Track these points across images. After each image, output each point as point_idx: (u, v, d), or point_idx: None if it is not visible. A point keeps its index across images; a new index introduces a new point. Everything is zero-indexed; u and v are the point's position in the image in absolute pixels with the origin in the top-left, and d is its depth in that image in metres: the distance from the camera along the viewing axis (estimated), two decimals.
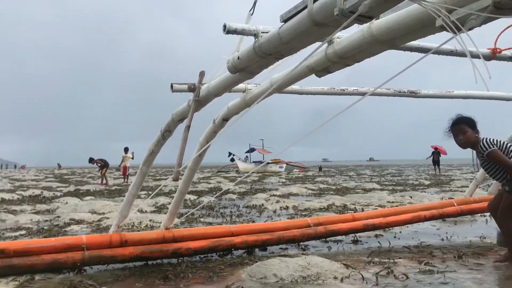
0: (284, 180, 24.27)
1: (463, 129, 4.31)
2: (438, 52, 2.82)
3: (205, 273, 4.29)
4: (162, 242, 4.71)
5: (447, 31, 1.70)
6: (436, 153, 29.31)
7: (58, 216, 8.93)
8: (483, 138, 4.32)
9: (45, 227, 7.42)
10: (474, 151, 4.37)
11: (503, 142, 4.36)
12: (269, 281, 3.92)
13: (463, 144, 4.37)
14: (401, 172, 35.45)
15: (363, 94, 3.83)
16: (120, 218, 4.65)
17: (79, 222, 8.07)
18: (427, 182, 19.68)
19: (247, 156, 46.28)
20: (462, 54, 2.91)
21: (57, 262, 4.26)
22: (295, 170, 44.00)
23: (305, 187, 16.64)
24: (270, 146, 48.52)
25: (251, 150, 47.07)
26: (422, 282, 3.84)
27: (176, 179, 3.12)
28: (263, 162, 42.71)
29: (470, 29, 1.83)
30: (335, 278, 3.96)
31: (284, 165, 42.62)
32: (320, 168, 43.66)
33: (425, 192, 13.66)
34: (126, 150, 22.91)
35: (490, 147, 4.25)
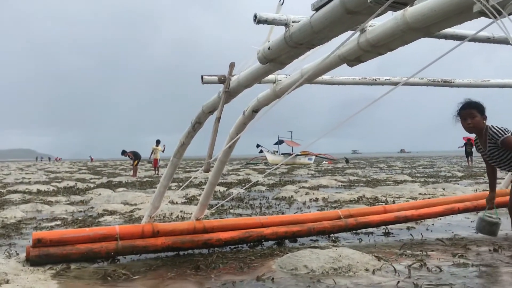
0: (313, 172, 24.16)
1: (472, 113, 4.22)
2: (475, 39, 2.74)
3: (236, 264, 4.32)
4: (193, 232, 4.76)
5: (486, 16, 1.64)
6: (469, 145, 28.58)
7: (92, 207, 9.16)
8: (492, 125, 4.24)
9: (80, 218, 7.61)
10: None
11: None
12: (300, 272, 3.91)
13: (470, 129, 4.28)
14: (433, 164, 34.76)
15: (395, 84, 3.75)
16: (152, 209, 4.73)
17: (112, 213, 8.24)
18: (460, 174, 19.24)
19: (277, 149, 46.18)
20: (499, 41, 2.81)
21: (92, 252, 4.37)
22: (324, 162, 43.71)
23: (335, 179, 16.52)
24: (299, 138, 48.29)
25: (280, 142, 46.95)
26: (457, 275, 3.77)
27: (207, 171, 3.15)
28: (292, 154, 42.63)
29: (510, 13, 1.77)
30: (367, 270, 3.93)
31: (313, 157, 42.38)
32: (346, 160, 43.13)
33: (458, 184, 13.36)
34: (157, 142, 23.27)
35: (504, 134, 4.17)
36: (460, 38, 2.82)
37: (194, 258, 4.56)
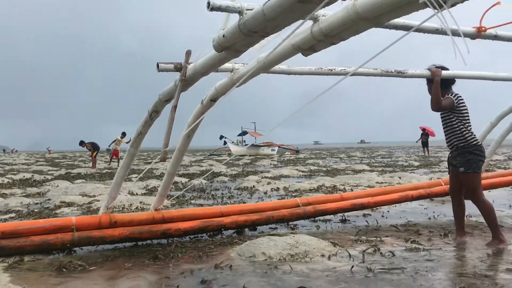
0: (276, 163, 24.35)
1: (428, 86, 4.54)
2: (423, 30, 2.82)
3: (195, 252, 4.33)
4: (152, 223, 4.74)
5: (429, 7, 1.70)
6: (425, 134, 29.43)
7: (49, 199, 8.92)
8: (454, 93, 4.54)
9: (36, 210, 7.41)
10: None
11: (458, 97, 4.52)
12: (258, 259, 3.97)
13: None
14: (391, 154, 35.67)
15: (351, 74, 3.82)
16: (109, 199, 4.66)
17: (69, 204, 8.07)
18: (416, 163, 19.85)
19: (243, 140, 46.16)
20: (447, 33, 2.91)
21: (47, 243, 4.28)
22: (287, 152, 44.14)
23: (296, 169, 16.71)
24: (262, 129, 48.45)
25: (244, 133, 47.00)
26: (408, 259, 3.91)
27: (163, 160, 3.13)
28: (255, 145, 42.77)
29: (452, 5, 1.83)
30: (323, 255, 4.02)
31: (276, 148, 42.70)
32: (297, 151, 44.07)
33: (414, 173, 13.79)
34: (123, 134, 22.83)
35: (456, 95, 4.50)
36: (410, 29, 2.90)
37: (153, 248, 4.54)
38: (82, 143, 22.13)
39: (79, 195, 9.36)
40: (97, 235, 4.48)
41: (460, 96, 4.56)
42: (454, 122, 4.52)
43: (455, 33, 2.81)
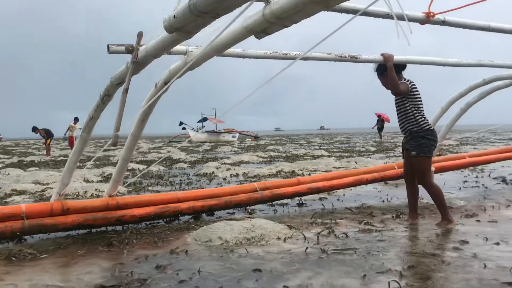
0: (236, 149, 24.35)
1: (379, 78, 4.77)
2: (374, 14, 2.87)
3: (150, 238, 4.29)
4: (106, 209, 4.64)
5: None
6: (380, 121, 30.18)
7: None
8: (406, 79, 4.69)
9: None
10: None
11: (411, 83, 4.70)
12: (214, 243, 3.97)
13: (387, 88, 4.76)
14: (349, 140, 36.38)
15: (305, 58, 3.85)
16: (62, 186, 4.53)
17: (21, 192, 7.81)
18: (373, 149, 20.32)
19: (203, 126, 45.82)
20: (398, 17, 2.96)
21: None
22: (247, 139, 44.22)
23: (256, 155, 16.78)
24: (225, 115, 48.28)
25: (204, 119, 46.68)
26: (361, 240, 4.01)
27: (114, 144, 3.07)
28: (215, 131, 42.62)
29: None
30: (278, 238, 4.07)
31: (237, 134, 42.71)
32: (256, 137, 44.59)
33: (370, 158, 14.12)
34: (76, 120, 22.11)
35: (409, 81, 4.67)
36: (363, 13, 2.93)
37: (107, 235, 4.46)
38: (35, 129, 21.36)
39: (32, 183, 9.06)
40: (49, 222, 4.36)
41: (413, 82, 4.70)
42: (408, 107, 4.66)
43: (403, 18, 2.87)
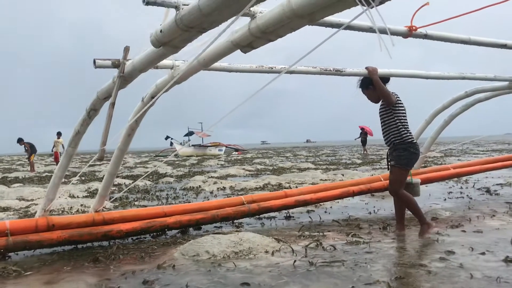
0: (223, 163, 24.32)
1: (364, 92, 4.84)
2: (358, 28, 2.92)
3: (137, 254, 4.25)
4: (92, 225, 4.59)
5: (357, 4, 1.76)
6: (364, 134, 30.43)
7: None
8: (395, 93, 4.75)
9: None
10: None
11: (396, 96, 4.79)
12: (202, 258, 3.95)
13: (372, 102, 4.87)
14: (335, 152, 36.54)
15: (290, 72, 3.90)
16: (47, 201, 4.48)
17: (5, 209, 7.69)
18: (359, 161, 20.44)
19: (189, 140, 45.69)
20: (381, 31, 3.02)
21: None
22: (234, 152, 44.19)
23: (243, 169, 16.76)
24: (210, 129, 48.20)
25: (190, 133, 46.53)
26: (349, 252, 4.02)
27: (101, 158, 3.05)
28: (202, 145, 42.51)
29: (381, 2, 1.90)
30: (266, 252, 4.06)
31: (224, 148, 42.66)
32: (236, 150, 44.70)
33: (356, 170, 14.19)
34: (59, 134, 21.90)
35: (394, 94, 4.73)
36: (348, 27, 2.98)
37: (94, 251, 4.41)
38: (20, 140, 21.11)
39: (16, 199, 8.93)
40: (34, 239, 4.30)
41: (398, 95, 4.77)
42: (392, 120, 4.74)
43: (387, 32, 2.92)
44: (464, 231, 4.76)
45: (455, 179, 9.40)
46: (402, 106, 4.77)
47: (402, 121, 4.73)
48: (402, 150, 4.68)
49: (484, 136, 8.60)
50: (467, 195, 7.63)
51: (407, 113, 4.86)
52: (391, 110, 4.73)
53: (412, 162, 4.73)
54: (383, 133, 4.89)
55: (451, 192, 8.08)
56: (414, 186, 5.25)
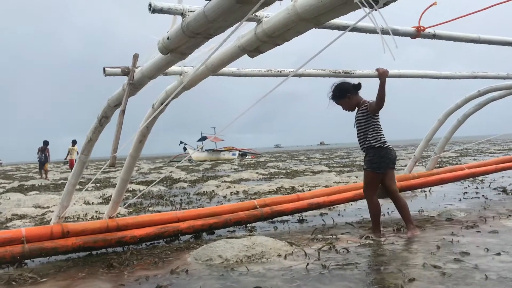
0: (236, 167, 24.36)
1: (339, 103, 4.91)
2: (364, 30, 2.92)
3: (151, 259, 4.28)
4: (106, 231, 4.64)
5: (362, 7, 1.76)
6: None
7: (0, 212, 8.58)
8: (368, 100, 4.82)
9: None
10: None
11: None
12: (215, 262, 3.96)
13: (348, 111, 4.96)
14: (349, 155, 36.37)
15: (299, 75, 3.90)
16: (61, 208, 4.54)
17: (22, 217, 7.80)
18: None
19: (202, 144, 45.88)
20: (386, 32, 3.01)
21: None
22: (248, 156, 44.25)
23: (256, 172, 16.78)
24: (222, 133, 48.36)
25: (203, 138, 46.70)
26: (362, 255, 4.00)
27: (112, 165, 3.08)
28: (215, 150, 42.66)
29: (385, 4, 1.90)
30: (279, 255, 4.06)
31: (237, 152, 42.77)
32: (242, 155, 44.13)
33: None
34: (74, 142, 22.19)
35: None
36: (354, 29, 2.98)
37: (108, 257, 4.45)
38: (47, 144, 21.55)
39: (32, 207, 9.05)
40: (49, 246, 4.35)
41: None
42: (370, 126, 4.82)
43: (395, 32, 2.92)
44: (479, 231, 4.70)
45: (471, 179, 9.29)
46: (378, 113, 4.85)
47: (379, 127, 4.85)
48: (373, 154, 4.80)
49: (500, 134, 8.49)
50: (483, 195, 7.54)
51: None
52: (370, 117, 4.81)
53: (382, 166, 4.80)
54: (359, 138, 4.97)
55: (466, 192, 7.99)
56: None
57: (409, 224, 4.81)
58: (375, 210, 4.95)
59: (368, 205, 5.00)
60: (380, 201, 7.31)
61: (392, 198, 5.00)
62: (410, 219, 4.84)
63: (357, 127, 4.93)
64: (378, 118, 4.86)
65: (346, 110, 4.94)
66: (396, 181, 5.06)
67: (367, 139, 4.83)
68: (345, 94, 4.81)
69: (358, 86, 4.86)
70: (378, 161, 4.78)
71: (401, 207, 4.88)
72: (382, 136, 4.83)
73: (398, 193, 4.94)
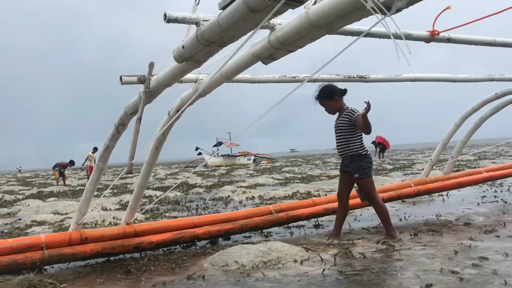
0: (252, 172, 24.39)
1: (324, 103, 5.01)
2: (378, 35, 2.92)
3: (168, 265, 4.31)
4: (124, 237, 4.69)
5: (374, 13, 1.77)
6: (378, 144, 31.30)
7: (19, 219, 8.74)
8: (351, 108, 4.94)
9: (5, 230, 7.25)
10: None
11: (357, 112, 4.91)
12: (231, 268, 3.97)
13: (330, 113, 5.09)
14: None
15: (313, 80, 3.91)
16: (79, 215, 4.61)
17: (41, 223, 7.93)
18: (389, 167, 20.15)
19: (217, 149, 46.06)
20: (400, 37, 3.01)
21: (16, 263, 4.18)
22: (263, 161, 44.26)
23: (272, 177, 16.77)
24: (237, 139, 48.50)
25: (219, 143, 46.90)
26: (378, 260, 3.98)
27: (129, 172, 3.13)
28: (231, 155, 42.77)
29: (398, 10, 1.91)
30: (295, 261, 4.05)
31: (252, 157, 42.82)
32: (254, 160, 43.91)
33: (387, 176, 14.00)
34: (95, 150, 22.46)
35: (356, 112, 4.88)
36: (368, 35, 2.99)
37: (125, 263, 4.50)
38: (72, 163, 22.21)
39: (51, 213, 9.20)
40: (68, 252, 4.42)
41: (357, 111, 4.90)
42: (355, 134, 4.95)
43: (408, 37, 2.91)
44: (498, 236, 4.64)
45: (489, 182, 9.16)
46: None
47: (359, 135, 4.98)
48: (360, 161, 4.97)
49: None
50: (502, 199, 7.43)
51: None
52: (354, 126, 4.90)
53: (370, 170, 5.04)
54: (339, 145, 5.10)
55: (484, 196, 7.89)
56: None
57: (388, 228, 4.98)
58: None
59: (375, 208, 5.07)
60: (396, 206, 7.29)
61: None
62: (388, 225, 4.99)
63: (338, 132, 5.05)
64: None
65: (328, 113, 5.08)
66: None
67: (350, 146, 4.98)
68: (333, 95, 4.94)
69: (344, 91, 4.98)
70: (367, 166, 5.00)
71: (379, 212, 5.06)
72: (363, 142, 5.08)
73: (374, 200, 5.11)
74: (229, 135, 48.69)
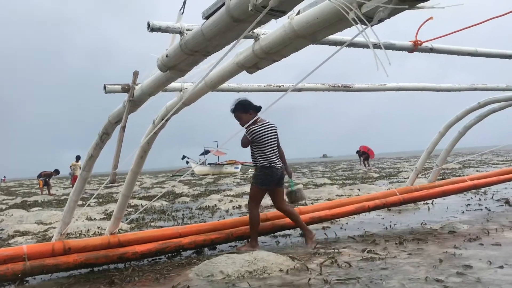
0: (239, 180, 24.33)
1: (238, 116, 5.31)
2: (361, 45, 2.94)
3: (152, 275, 4.26)
4: (108, 247, 4.63)
5: (355, 25, 1.79)
6: (363, 153, 31.78)
7: (2, 229, 8.60)
8: (261, 121, 5.27)
9: None
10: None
11: (254, 131, 5.22)
12: (216, 278, 3.94)
13: (244, 126, 5.25)
14: (352, 167, 36.29)
15: (298, 90, 3.93)
16: (63, 225, 4.54)
17: (24, 233, 7.80)
18: (376, 175, 20.26)
19: (205, 158, 45.81)
20: (386, 47, 3.04)
21: None
22: (250, 170, 44.19)
23: None
24: (224, 147, 48.38)
25: (206, 152, 46.73)
26: (364, 269, 3.98)
27: (113, 182, 3.10)
28: (218, 163, 42.64)
29: (380, 20, 1.93)
30: (281, 270, 4.04)
31: (240, 166, 42.72)
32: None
33: (373, 184, 14.07)
34: (77, 158, 22.22)
35: (245, 134, 5.24)
36: (351, 44, 3.01)
37: (109, 273, 4.44)
38: (57, 172, 22.01)
39: (35, 223, 9.07)
40: (51, 263, 4.35)
41: (258, 130, 5.19)
42: (255, 149, 5.27)
43: (392, 47, 2.94)
44: (482, 244, 4.68)
45: (473, 190, 9.26)
46: (262, 138, 5.21)
47: (262, 149, 5.22)
48: (259, 172, 5.27)
49: (503, 145, 8.47)
50: (486, 207, 7.51)
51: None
52: (254, 143, 5.24)
53: (265, 182, 5.26)
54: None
55: (469, 204, 7.96)
56: (296, 193, 5.71)
57: (305, 230, 5.34)
58: (254, 219, 5.23)
59: (250, 216, 5.27)
60: (382, 214, 7.32)
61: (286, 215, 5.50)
62: (304, 226, 5.38)
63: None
64: (263, 142, 5.25)
65: (241, 125, 5.26)
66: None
67: (254, 158, 5.34)
68: (248, 109, 5.24)
69: (259, 108, 5.25)
70: (263, 178, 5.26)
71: (295, 220, 5.39)
72: (268, 156, 5.29)
73: (288, 211, 5.43)
74: (217, 143, 48.55)
